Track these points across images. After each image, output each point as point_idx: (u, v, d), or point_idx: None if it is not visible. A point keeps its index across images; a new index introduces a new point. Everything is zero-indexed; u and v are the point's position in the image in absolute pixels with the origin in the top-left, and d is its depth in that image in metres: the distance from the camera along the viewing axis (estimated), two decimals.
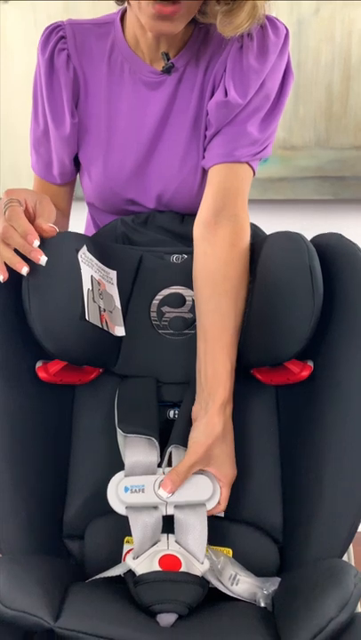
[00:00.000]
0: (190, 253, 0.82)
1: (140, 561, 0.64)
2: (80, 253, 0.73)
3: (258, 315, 0.73)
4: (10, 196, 0.68)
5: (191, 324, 0.81)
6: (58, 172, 0.91)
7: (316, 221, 1.66)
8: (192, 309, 0.81)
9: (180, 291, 0.83)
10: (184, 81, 0.83)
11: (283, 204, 1.61)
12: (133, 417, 0.73)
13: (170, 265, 0.85)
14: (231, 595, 0.66)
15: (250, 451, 0.76)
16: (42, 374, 0.72)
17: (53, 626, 0.52)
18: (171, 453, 0.71)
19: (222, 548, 0.73)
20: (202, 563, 0.66)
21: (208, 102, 0.82)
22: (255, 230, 0.86)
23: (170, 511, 0.68)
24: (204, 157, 0.85)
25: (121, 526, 0.69)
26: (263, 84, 0.79)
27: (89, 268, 0.75)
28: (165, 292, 0.83)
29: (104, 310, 0.76)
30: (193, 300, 0.80)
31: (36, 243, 0.64)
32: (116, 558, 0.71)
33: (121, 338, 0.79)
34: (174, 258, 0.86)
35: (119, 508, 0.67)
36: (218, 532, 0.71)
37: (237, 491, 0.71)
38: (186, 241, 0.88)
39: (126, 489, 0.67)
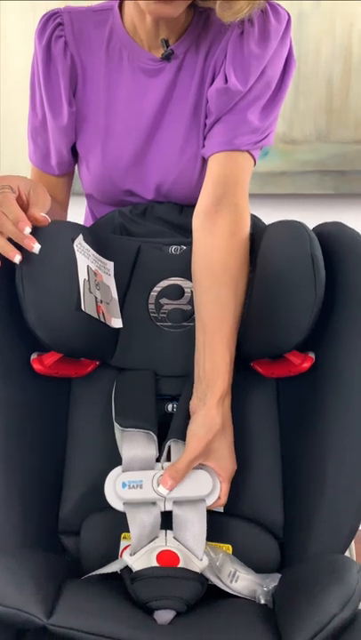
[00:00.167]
0: (189, 244, 0.81)
1: (138, 557, 0.63)
2: (76, 243, 0.72)
3: (258, 305, 0.71)
4: (2, 183, 0.66)
5: (190, 316, 0.80)
6: (56, 162, 0.89)
7: (316, 216, 1.65)
8: (191, 301, 0.80)
9: (178, 282, 0.81)
10: (184, 68, 0.81)
11: (283, 199, 1.59)
12: (131, 410, 0.72)
13: (168, 256, 0.84)
14: (230, 592, 0.65)
15: (250, 445, 0.75)
16: (37, 366, 0.71)
17: (46, 623, 0.51)
18: (170, 448, 0.69)
19: (222, 545, 0.71)
20: (200, 559, 0.64)
21: (208, 90, 0.81)
22: (255, 221, 0.85)
23: (168, 507, 0.66)
24: (203, 146, 0.83)
25: (118, 522, 0.67)
26: (264, 71, 0.77)
27: (85, 257, 0.73)
28: (164, 283, 0.81)
29: (101, 301, 0.75)
30: (192, 292, 0.79)
31: (28, 230, 0.63)
32: (113, 555, 0.69)
33: (118, 330, 0.78)
34: (173, 249, 0.84)
35: (117, 505, 0.65)
36: (217, 527, 0.70)
37: (237, 486, 0.70)
38: (185, 232, 0.86)
39: (124, 484, 0.66)
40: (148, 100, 0.83)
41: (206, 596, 0.63)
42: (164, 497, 0.65)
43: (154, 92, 0.82)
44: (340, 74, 1.50)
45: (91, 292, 0.72)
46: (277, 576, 0.64)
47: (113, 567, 0.65)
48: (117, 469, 0.68)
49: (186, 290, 0.81)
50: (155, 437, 0.69)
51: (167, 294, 0.81)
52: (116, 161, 0.86)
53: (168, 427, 0.72)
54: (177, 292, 0.81)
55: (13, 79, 1.47)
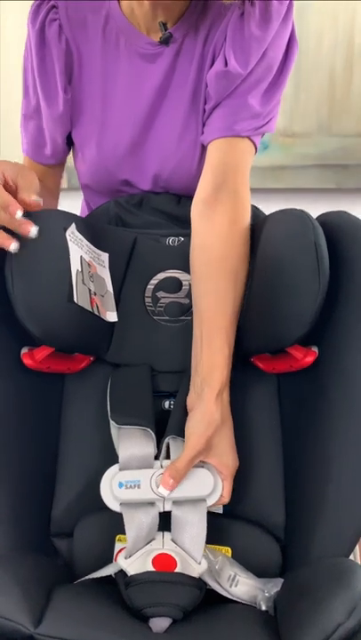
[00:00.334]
0: (187, 236, 0.78)
1: (133, 560, 0.60)
2: (68, 232, 0.69)
3: (258, 297, 0.68)
4: None
5: (188, 309, 0.77)
6: (50, 151, 0.86)
7: (317, 212, 1.63)
8: (189, 294, 0.77)
9: (176, 275, 0.79)
10: (183, 52, 0.78)
11: (283, 194, 1.56)
12: (127, 407, 0.69)
13: (166, 248, 0.81)
14: (230, 597, 0.62)
15: (250, 443, 0.72)
16: (27, 361, 0.68)
17: (33, 632, 0.48)
18: (168, 445, 0.66)
19: (221, 547, 0.68)
20: (199, 563, 0.61)
21: (207, 74, 0.78)
22: (255, 212, 0.82)
23: (168, 507, 0.63)
24: (202, 133, 0.80)
25: (113, 524, 0.65)
26: (265, 54, 0.74)
27: (78, 248, 0.70)
28: (161, 276, 0.79)
29: (95, 294, 0.72)
30: (190, 285, 0.76)
31: (19, 214, 0.60)
32: (107, 558, 0.67)
33: (113, 324, 0.75)
34: (170, 240, 0.82)
35: (113, 505, 0.63)
36: (216, 529, 0.67)
37: (237, 486, 0.67)
38: (183, 223, 0.84)
39: (121, 484, 0.63)
40: (146, 86, 0.80)
41: (204, 601, 0.60)
42: (164, 497, 0.62)
43: (152, 78, 0.79)
44: (342, 64, 1.47)
45: (84, 284, 0.69)
46: (280, 581, 0.61)
47: (107, 571, 0.62)
48: (114, 468, 0.65)
49: (184, 283, 0.78)
50: (153, 435, 0.66)
51: (164, 287, 0.78)
52: (113, 149, 0.83)
53: (166, 424, 0.69)
54: (174, 285, 0.78)
55: (13, 79, 1.44)
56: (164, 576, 0.58)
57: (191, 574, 0.60)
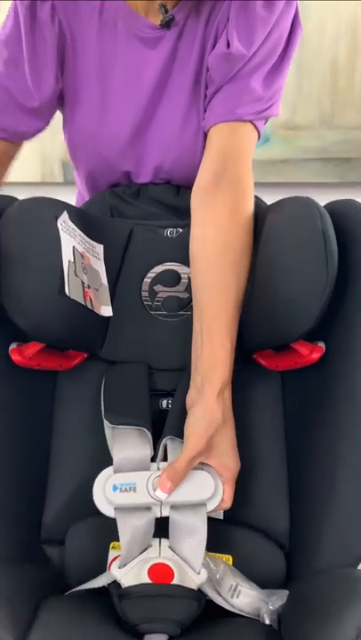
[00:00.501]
0: (186, 227, 0.74)
1: (127, 570, 0.56)
2: (60, 221, 0.65)
3: (261, 290, 0.64)
4: None
5: (187, 304, 0.73)
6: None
7: None
8: (188, 288, 0.73)
9: (174, 268, 0.75)
10: (185, 36, 0.74)
11: (285, 188, 1.53)
12: (122, 406, 0.65)
13: (164, 239, 0.77)
14: (231, 609, 0.58)
15: (252, 446, 0.68)
16: (16, 357, 0.64)
17: None
18: (166, 446, 0.62)
19: (221, 555, 0.64)
20: (198, 573, 0.57)
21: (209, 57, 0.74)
22: (256, 202, 0.78)
23: (165, 513, 0.59)
24: (204, 119, 0.76)
25: (107, 530, 0.61)
26: (270, 35, 0.71)
27: (70, 237, 0.66)
28: (158, 268, 0.75)
29: (88, 287, 0.68)
30: (189, 279, 0.72)
31: None
32: (101, 566, 0.63)
33: (108, 319, 0.71)
34: (169, 232, 0.78)
35: (107, 510, 0.59)
36: (216, 536, 0.63)
37: (238, 490, 0.63)
38: (182, 214, 0.80)
39: (115, 487, 0.59)
40: (147, 72, 0.76)
41: (204, 613, 0.56)
42: (161, 501, 0.58)
43: (152, 64, 0.76)
44: (345, 54, 1.43)
45: (77, 276, 0.66)
46: (284, 593, 0.57)
47: (100, 582, 0.58)
48: (108, 470, 0.61)
49: (183, 276, 0.75)
50: (149, 435, 0.62)
51: (162, 281, 0.75)
52: (113, 141, 0.80)
53: (163, 425, 0.65)
54: (173, 279, 0.75)
55: None
56: (161, 589, 0.54)
57: (190, 586, 0.56)
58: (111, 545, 0.64)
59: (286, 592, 0.57)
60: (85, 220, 0.72)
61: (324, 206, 0.65)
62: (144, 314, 0.73)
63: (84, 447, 0.69)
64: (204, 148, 0.77)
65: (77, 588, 0.59)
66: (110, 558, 0.63)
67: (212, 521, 0.62)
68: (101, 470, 0.61)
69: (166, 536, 0.60)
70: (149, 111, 0.78)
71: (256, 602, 0.57)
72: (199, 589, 0.57)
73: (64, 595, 0.58)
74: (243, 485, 0.64)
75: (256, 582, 0.61)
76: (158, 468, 0.61)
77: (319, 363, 0.65)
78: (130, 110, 0.78)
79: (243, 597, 0.58)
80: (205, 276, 0.68)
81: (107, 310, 0.71)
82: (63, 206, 0.67)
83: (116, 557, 0.60)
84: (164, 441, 0.62)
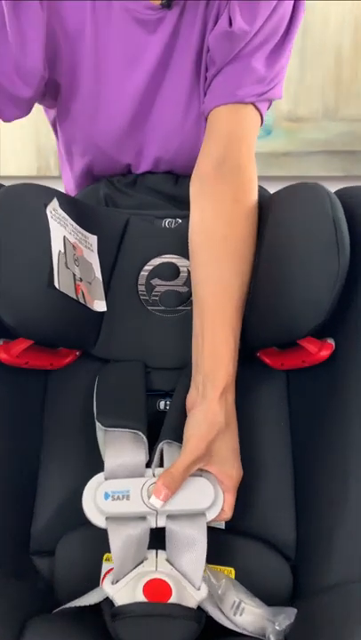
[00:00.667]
0: (186, 217, 0.70)
1: (121, 587, 0.51)
2: (49, 209, 0.60)
3: (266, 281, 0.60)
4: None
5: (186, 299, 0.69)
6: None
7: None
8: (187, 282, 0.69)
9: (173, 260, 0.71)
10: (186, 15, 0.70)
11: (287, 182, 1.47)
12: (116, 408, 0.61)
13: (161, 230, 0.73)
14: (234, 628, 0.53)
15: (256, 450, 0.64)
16: (2, 355, 0.59)
17: None
18: (162, 451, 0.58)
19: (223, 568, 0.60)
20: (198, 588, 0.53)
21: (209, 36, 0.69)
22: (260, 191, 0.73)
23: (161, 523, 0.55)
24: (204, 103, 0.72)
25: (100, 540, 0.56)
26: (273, 11, 0.66)
27: (61, 227, 0.62)
28: (156, 261, 0.71)
29: (80, 280, 0.63)
30: (188, 272, 0.68)
31: None
32: (94, 579, 0.58)
33: (102, 314, 0.67)
34: (167, 222, 0.74)
35: (97, 520, 0.54)
36: (217, 547, 0.59)
37: (241, 497, 0.58)
38: (180, 204, 0.76)
39: (107, 495, 0.54)
40: (146, 57, 0.71)
41: (204, 632, 0.52)
42: (156, 510, 0.54)
43: (153, 48, 0.71)
44: (349, 44, 1.39)
45: (68, 268, 0.61)
46: (292, 611, 0.52)
47: (91, 598, 0.54)
48: (99, 477, 0.56)
49: (182, 269, 0.71)
50: (144, 439, 0.58)
51: (160, 274, 0.70)
52: (110, 133, 0.76)
53: (160, 427, 0.61)
54: (171, 272, 0.71)
55: None
56: (157, 608, 0.49)
57: (189, 603, 0.51)
58: (105, 557, 0.59)
59: (294, 610, 0.52)
60: (78, 208, 0.68)
61: (335, 192, 0.61)
62: (140, 309, 0.69)
63: (75, 452, 0.65)
64: None
65: (66, 606, 0.54)
66: (104, 571, 0.59)
67: (212, 531, 0.57)
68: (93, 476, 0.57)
69: (163, 548, 0.55)
70: (149, 99, 0.74)
71: (261, 620, 0.53)
72: (199, 607, 0.53)
73: (52, 613, 0.54)
74: (246, 492, 0.60)
75: (260, 597, 0.56)
76: (154, 475, 0.57)
77: (328, 361, 0.60)
78: (127, 99, 0.73)
79: (246, 615, 0.54)
80: (206, 270, 0.64)
81: (100, 305, 0.66)
82: (53, 193, 0.63)
83: (109, 570, 0.55)
84: (160, 445, 0.58)
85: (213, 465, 0.57)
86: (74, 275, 0.62)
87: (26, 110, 0.72)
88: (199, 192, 0.68)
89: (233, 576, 0.60)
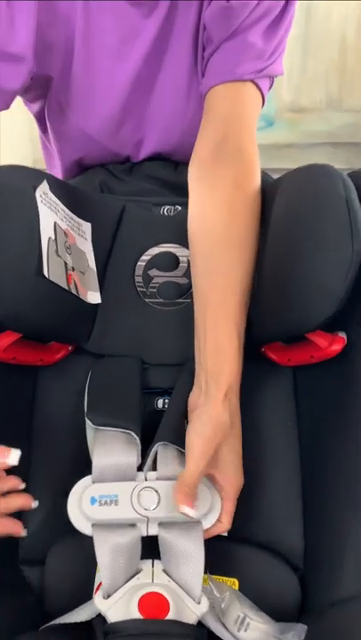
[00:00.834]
0: (185, 205, 0.66)
1: (113, 602, 0.47)
2: (39, 192, 0.56)
3: (272, 270, 0.56)
4: None
5: (186, 291, 0.65)
6: None
7: None
8: (187, 273, 0.65)
9: (172, 250, 0.67)
10: None
11: None
12: (108, 405, 0.57)
13: (160, 218, 0.70)
14: None
15: (261, 452, 0.60)
16: None
17: None
18: (156, 453, 0.54)
19: (226, 579, 0.56)
20: (198, 602, 0.49)
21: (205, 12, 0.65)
22: (263, 176, 0.69)
23: (152, 531, 0.51)
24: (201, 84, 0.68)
25: (94, 549, 0.52)
26: None
27: (51, 212, 0.58)
28: (154, 251, 0.67)
29: (72, 269, 0.59)
30: (189, 262, 0.64)
31: None
32: (86, 591, 0.54)
33: (96, 307, 0.63)
34: (165, 210, 0.70)
35: (83, 527, 0.50)
36: (219, 556, 0.55)
37: (246, 503, 0.54)
38: (180, 191, 0.72)
39: (93, 500, 0.50)
40: (142, 42, 0.67)
41: None
42: (147, 517, 0.50)
43: (148, 32, 0.67)
44: (354, 31, 1.34)
45: (58, 256, 0.57)
46: (302, 628, 0.48)
47: (82, 614, 0.49)
48: (85, 480, 0.52)
49: (181, 259, 0.67)
50: (137, 440, 0.54)
51: (158, 264, 0.67)
52: (106, 124, 0.72)
53: (158, 427, 0.56)
54: (170, 262, 0.67)
55: None
56: (154, 626, 0.45)
57: (189, 619, 0.47)
58: (98, 567, 0.55)
59: (304, 627, 0.48)
60: (70, 194, 0.63)
61: (348, 174, 0.57)
62: (137, 301, 0.65)
63: (66, 454, 0.61)
64: None
65: (56, 622, 0.50)
66: (97, 582, 0.54)
67: (213, 538, 0.53)
68: None
69: (158, 557, 0.51)
70: (146, 86, 0.70)
71: (267, 638, 0.49)
72: (200, 622, 0.49)
73: (40, 630, 0.49)
74: (250, 497, 0.56)
75: (266, 610, 0.52)
76: (146, 479, 0.52)
77: (339, 356, 0.56)
78: (123, 87, 0.70)
79: (252, 631, 0.49)
80: (207, 260, 0.60)
81: (94, 297, 0.62)
82: (43, 176, 0.58)
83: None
84: (155, 447, 0.54)
85: (216, 470, 0.53)
86: (65, 263, 0.58)
87: (6, 104, 0.67)
88: (198, 178, 0.64)
89: (236, 587, 0.56)
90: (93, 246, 0.65)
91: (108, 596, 0.48)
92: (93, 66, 0.68)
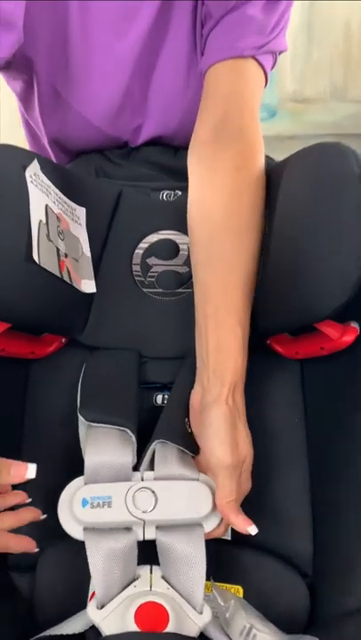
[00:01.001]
0: (186, 190, 0.62)
1: (108, 613, 0.44)
2: (29, 172, 0.52)
3: (280, 256, 0.52)
4: None
5: (187, 280, 0.62)
6: None
7: None
8: (188, 261, 0.62)
9: (171, 237, 0.64)
10: None
11: None
12: (102, 400, 0.53)
13: (159, 203, 0.66)
14: None
15: (267, 451, 0.56)
16: None
17: None
18: (154, 452, 0.50)
19: (229, 586, 0.52)
20: (200, 612, 0.45)
21: None
22: (266, 160, 0.66)
23: (149, 535, 0.47)
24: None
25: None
26: None
27: (43, 194, 0.54)
28: (152, 238, 0.64)
29: (65, 255, 0.56)
30: (189, 250, 0.60)
31: None
32: (80, 600, 0.50)
33: (91, 297, 0.60)
34: (165, 195, 0.67)
35: (74, 531, 0.47)
36: (222, 561, 0.51)
37: (250, 504, 0.51)
38: (179, 176, 0.68)
39: (85, 502, 0.47)
40: (140, 21, 0.64)
41: None
42: (144, 520, 0.46)
43: (146, 11, 0.63)
44: (359, 18, 1.31)
45: (50, 240, 0.53)
46: None
47: (75, 626, 0.46)
48: (77, 481, 0.49)
49: (181, 247, 0.63)
50: (133, 438, 0.50)
51: (157, 252, 0.63)
52: (104, 107, 0.68)
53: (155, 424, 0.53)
54: (169, 250, 0.63)
55: None
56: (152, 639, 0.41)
57: (190, 632, 0.44)
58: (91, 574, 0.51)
59: (314, 639, 0.44)
60: (63, 177, 0.60)
61: None
62: (135, 291, 0.62)
63: (61, 452, 0.57)
64: None
65: (46, 633, 0.46)
66: (92, 590, 0.51)
67: (216, 542, 0.50)
68: None
69: (157, 562, 0.47)
70: (146, 67, 0.67)
71: None
72: (202, 634, 0.45)
73: None
74: (255, 498, 0.52)
75: (272, 620, 0.49)
76: (142, 479, 0.49)
77: (350, 348, 0.52)
78: (121, 69, 0.66)
79: None
80: (207, 248, 0.56)
81: (89, 285, 0.59)
82: (33, 156, 0.55)
83: None
84: (152, 445, 0.50)
85: None
86: (57, 249, 0.54)
87: None
88: (197, 160, 0.61)
89: (241, 595, 0.52)
90: (88, 233, 0.61)
91: (102, 606, 0.44)
92: (92, 42, 0.65)
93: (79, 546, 0.47)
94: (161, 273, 0.62)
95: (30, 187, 0.52)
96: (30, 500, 0.47)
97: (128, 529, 0.47)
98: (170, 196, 0.66)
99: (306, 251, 0.48)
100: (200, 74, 0.66)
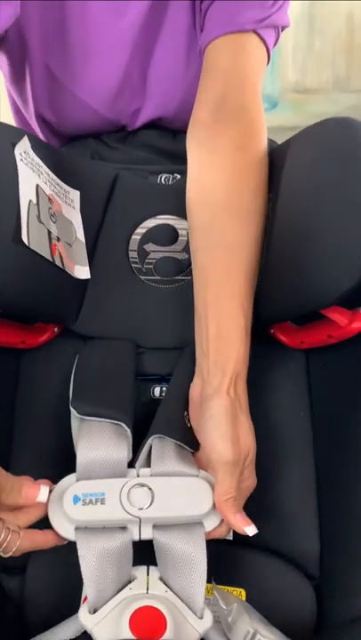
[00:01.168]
0: (185, 173, 0.59)
1: (100, 618, 0.41)
2: (19, 149, 0.50)
3: (284, 239, 0.49)
4: None
5: (186, 267, 0.59)
6: None
7: None
8: (187, 248, 0.59)
9: (170, 222, 0.61)
10: None
11: None
12: (96, 393, 0.50)
13: (157, 187, 0.64)
14: None
15: (271, 446, 0.54)
16: None
17: None
18: (151, 448, 0.47)
19: (231, 589, 0.49)
20: (201, 617, 0.42)
21: None
22: (269, 143, 0.63)
23: (146, 534, 0.44)
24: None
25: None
26: None
27: (33, 173, 0.51)
28: (150, 223, 0.61)
29: (57, 239, 0.53)
30: (188, 235, 0.57)
31: None
32: (73, 604, 0.47)
33: (85, 284, 0.57)
34: (163, 178, 0.64)
35: (65, 530, 0.43)
36: (224, 563, 0.49)
37: (253, 503, 0.48)
38: (179, 160, 0.66)
39: (76, 499, 0.43)
40: (137, 4, 0.61)
41: None
42: (140, 518, 0.43)
43: None
44: None
45: (41, 222, 0.50)
46: None
47: (67, 632, 0.43)
48: (69, 478, 0.46)
49: (181, 232, 0.61)
50: (128, 432, 0.47)
51: (155, 238, 0.61)
52: (103, 89, 0.66)
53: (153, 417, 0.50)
54: (168, 236, 0.61)
55: None
56: None
57: (189, 639, 0.40)
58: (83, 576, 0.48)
59: None
60: (56, 158, 0.57)
61: None
62: (132, 278, 0.59)
63: (54, 447, 0.55)
64: None
65: (37, 638, 0.43)
66: (84, 594, 0.48)
67: (218, 543, 0.47)
68: None
69: (154, 562, 0.44)
70: (145, 48, 0.65)
71: None
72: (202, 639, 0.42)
73: None
74: (259, 496, 0.49)
75: (277, 625, 0.46)
76: (138, 475, 0.46)
77: (358, 336, 0.49)
78: (121, 49, 0.64)
79: None
80: (207, 232, 0.54)
81: (82, 272, 0.56)
82: (23, 134, 0.52)
83: None
84: (149, 440, 0.47)
85: None
86: (49, 232, 0.51)
87: None
88: (196, 141, 0.58)
89: (244, 598, 0.49)
90: (83, 217, 0.59)
91: (95, 611, 0.41)
92: (91, 21, 0.62)
93: (71, 546, 0.44)
94: (159, 260, 0.60)
95: (20, 164, 0.49)
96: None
97: (123, 528, 0.44)
98: (168, 180, 0.64)
99: (311, 232, 0.45)
100: (200, 53, 0.63)
